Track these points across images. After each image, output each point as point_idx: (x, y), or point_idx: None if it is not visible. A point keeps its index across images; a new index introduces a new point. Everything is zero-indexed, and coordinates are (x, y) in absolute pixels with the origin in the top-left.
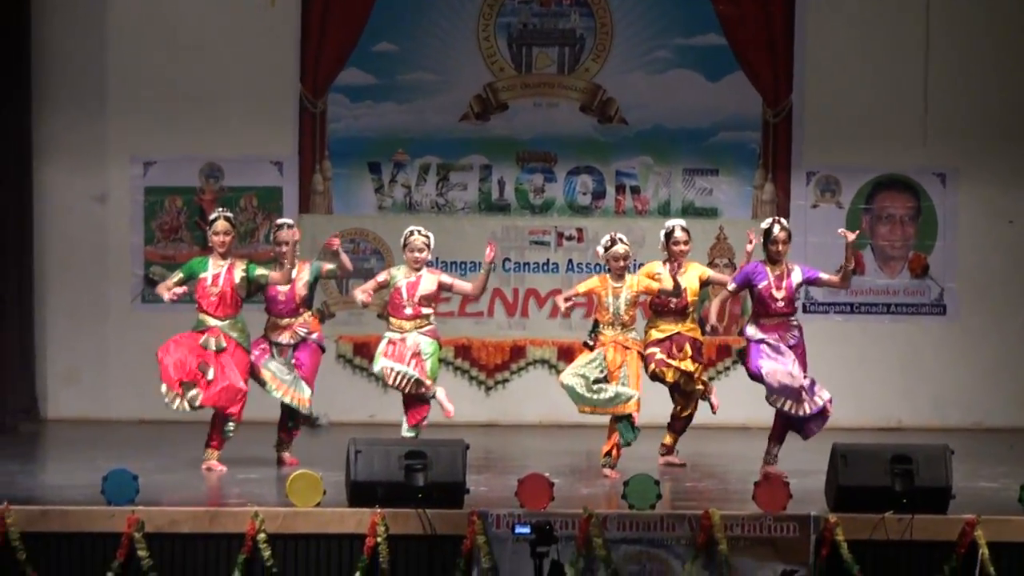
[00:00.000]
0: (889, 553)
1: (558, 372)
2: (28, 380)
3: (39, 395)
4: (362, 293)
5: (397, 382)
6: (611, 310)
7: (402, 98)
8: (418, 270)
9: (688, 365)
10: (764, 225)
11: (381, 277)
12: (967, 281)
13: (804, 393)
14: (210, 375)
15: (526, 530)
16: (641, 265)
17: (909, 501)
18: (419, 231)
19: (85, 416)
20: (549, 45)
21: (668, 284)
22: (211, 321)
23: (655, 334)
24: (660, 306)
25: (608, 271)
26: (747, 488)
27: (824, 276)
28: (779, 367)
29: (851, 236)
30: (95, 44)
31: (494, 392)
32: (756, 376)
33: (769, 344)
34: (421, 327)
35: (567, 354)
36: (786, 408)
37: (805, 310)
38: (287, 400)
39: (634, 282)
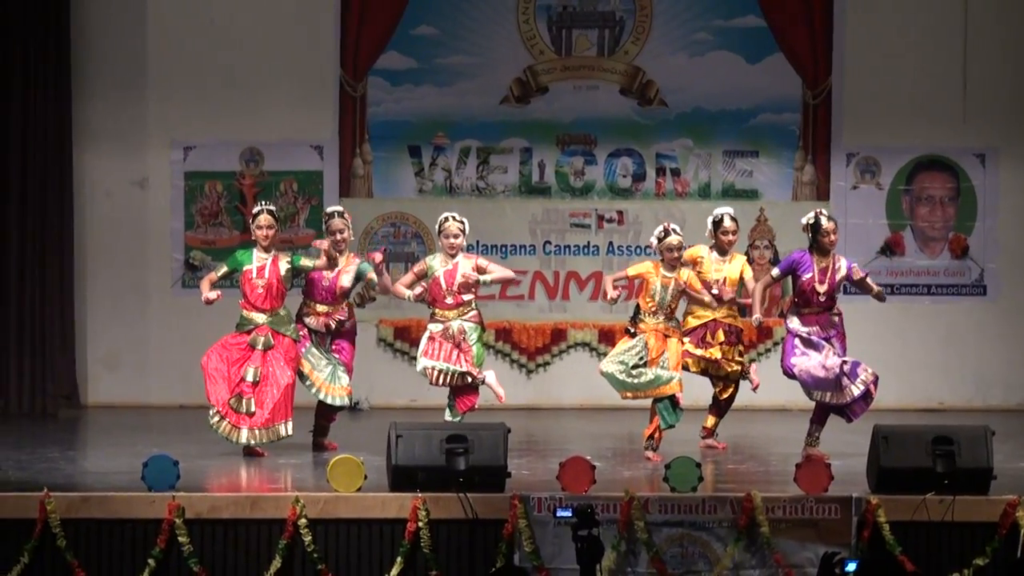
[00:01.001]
0: (931, 534)
1: (599, 355)
2: (68, 366)
3: (79, 380)
4: (409, 289)
5: (441, 380)
6: (657, 299)
7: (442, 81)
8: (454, 256)
9: (715, 352)
10: (809, 219)
11: (418, 268)
12: (1007, 261)
13: (845, 379)
14: (252, 376)
15: (568, 513)
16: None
17: (951, 482)
18: (453, 217)
19: (125, 402)
20: (589, 27)
21: (708, 299)
22: (258, 318)
23: (691, 321)
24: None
25: (661, 259)
26: (788, 470)
27: (869, 281)
28: (811, 363)
29: (858, 274)
30: (134, 29)
31: (535, 375)
32: (789, 375)
33: (802, 338)
34: (464, 314)
35: (608, 337)
36: (827, 400)
37: (845, 291)
38: (326, 398)
39: (685, 275)
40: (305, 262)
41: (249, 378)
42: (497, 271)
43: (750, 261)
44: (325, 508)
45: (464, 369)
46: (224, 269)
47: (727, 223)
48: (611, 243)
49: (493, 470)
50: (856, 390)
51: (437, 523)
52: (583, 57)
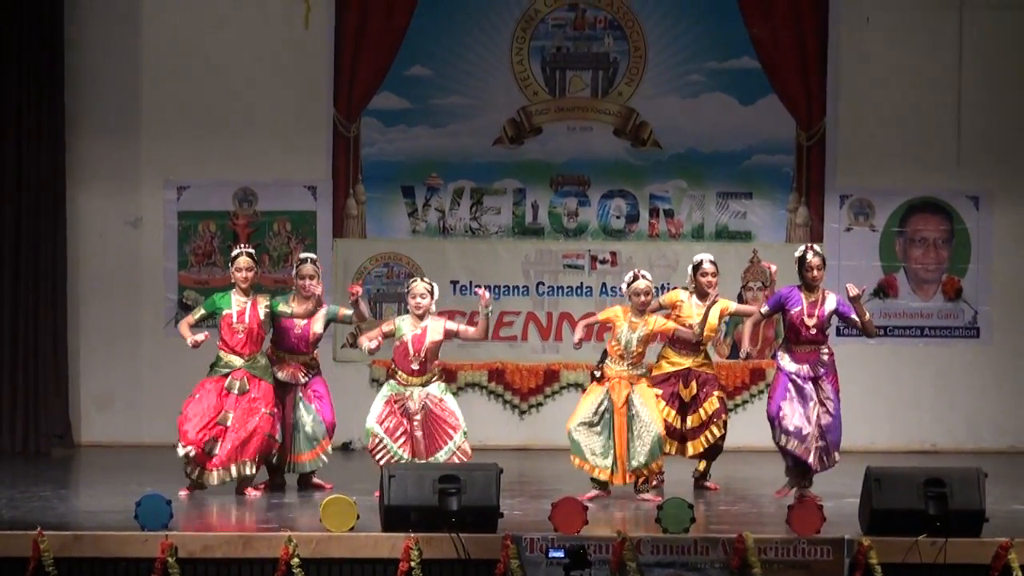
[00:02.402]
0: None
1: (593, 375)
2: (61, 405)
3: (72, 420)
4: (369, 341)
5: (381, 456)
6: (623, 343)
7: (436, 122)
8: (422, 319)
9: (670, 415)
10: (797, 253)
11: (387, 327)
12: (1001, 304)
13: (816, 446)
14: (228, 422)
15: (560, 554)
16: (670, 289)
17: (943, 524)
18: (422, 278)
19: (118, 441)
20: (583, 69)
21: (689, 335)
22: (236, 362)
23: (665, 366)
24: (675, 336)
25: (630, 304)
26: (781, 511)
27: (855, 316)
28: (797, 410)
29: (854, 290)
30: (128, 69)
31: (528, 416)
32: (773, 416)
33: (795, 383)
34: (427, 382)
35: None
36: (791, 448)
37: (839, 333)
38: (314, 464)
39: (652, 321)
40: (283, 308)
41: (225, 423)
42: (470, 331)
43: (742, 303)
44: (318, 548)
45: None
46: (201, 312)
47: (706, 266)
48: (604, 284)
49: (486, 510)
50: (820, 465)
51: (430, 563)
52: (577, 98)
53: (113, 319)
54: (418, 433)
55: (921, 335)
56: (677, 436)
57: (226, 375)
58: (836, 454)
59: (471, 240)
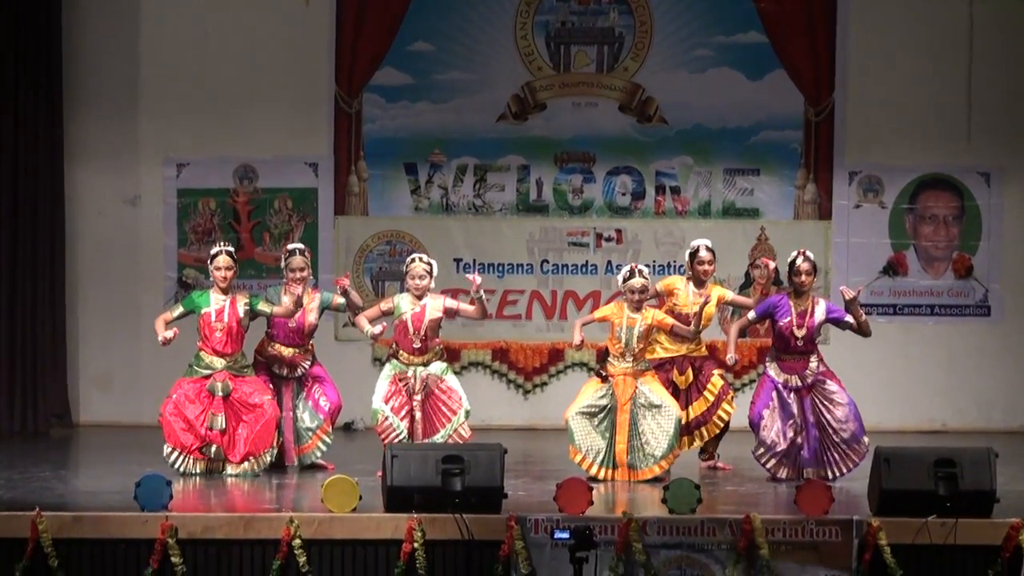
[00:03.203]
0: (933, 557)
1: (598, 374)
2: (60, 385)
3: (71, 399)
4: (372, 325)
5: (387, 436)
6: (623, 340)
7: (438, 98)
8: (420, 298)
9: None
10: (789, 258)
11: (385, 305)
12: (1012, 282)
13: (788, 456)
14: (219, 425)
15: (565, 535)
16: (671, 275)
17: (953, 505)
18: (420, 258)
19: (118, 421)
20: (588, 44)
21: (687, 332)
22: (216, 363)
23: (659, 351)
24: (675, 318)
25: (626, 300)
26: (789, 492)
27: (849, 319)
28: (776, 424)
29: (849, 293)
30: (127, 45)
31: (532, 395)
32: (754, 423)
33: (780, 395)
34: (429, 362)
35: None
36: (762, 461)
37: (846, 310)
38: (313, 454)
39: (650, 316)
40: (263, 307)
41: (217, 427)
42: (469, 309)
43: (749, 282)
44: (320, 529)
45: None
46: (180, 310)
47: (703, 254)
48: (609, 262)
49: (489, 491)
50: (843, 470)
51: (433, 544)
52: (582, 74)
53: (112, 298)
54: (417, 414)
55: (931, 314)
56: (683, 428)
57: (206, 376)
58: (864, 440)
59: (475, 217)
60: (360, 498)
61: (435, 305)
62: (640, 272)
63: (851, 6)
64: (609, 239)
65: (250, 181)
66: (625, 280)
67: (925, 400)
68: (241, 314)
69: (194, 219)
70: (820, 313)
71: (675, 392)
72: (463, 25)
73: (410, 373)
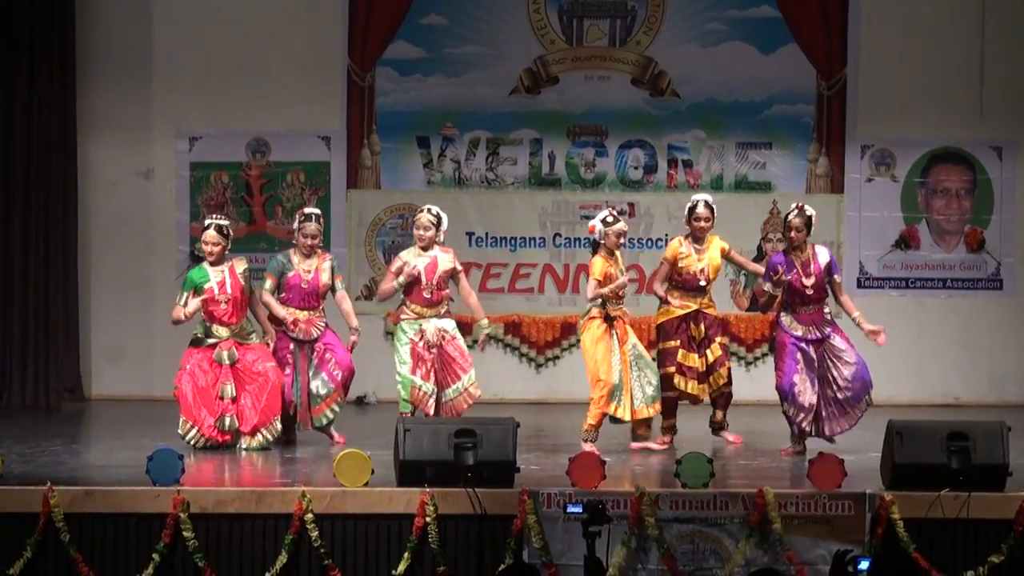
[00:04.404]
0: (946, 531)
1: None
2: (72, 358)
3: (83, 373)
4: (390, 283)
5: (425, 404)
6: (618, 283)
7: (451, 71)
8: (427, 249)
9: (694, 387)
10: (785, 214)
11: (395, 267)
12: None
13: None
14: (229, 393)
15: (578, 509)
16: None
17: (966, 478)
18: (428, 209)
19: (130, 395)
20: (600, 17)
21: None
22: (223, 332)
23: (674, 311)
24: (680, 279)
25: (604, 247)
26: (801, 466)
27: (837, 278)
28: (808, 386)
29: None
30: (140, 18)
31: (544, 369)
32: (786, 391)
33: (803, 351)
34: (441, 312)
35: None
36: (798, 420)
37: (859, 285)
38: (321, 419)
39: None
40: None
41: (227, 396)
42: (468, 293)
43: (762, 255)
44: (332, 503)
45: (447, 392)
46: (185, 295)
47: (700, 209)
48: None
49: (502, 465)
50: (849, 425)
51: (445, 518)
52: (594, 47)
53: (124, 271)
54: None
55: (943, 287)
56: (703, 379)
57: (213, 346)
58: (864, 403)
59: (487, 191)
60: (372, 472)
61: (445, 257)
62: (617, 217)
63: None
64: (622, 212)
65: (263, 154)
66: (608, 225)
67: (938, 374)
68: (243, 281)
69: (207, 192)
70: (823, 256)
71: (693, 344)
72: None
73: (425, 326)
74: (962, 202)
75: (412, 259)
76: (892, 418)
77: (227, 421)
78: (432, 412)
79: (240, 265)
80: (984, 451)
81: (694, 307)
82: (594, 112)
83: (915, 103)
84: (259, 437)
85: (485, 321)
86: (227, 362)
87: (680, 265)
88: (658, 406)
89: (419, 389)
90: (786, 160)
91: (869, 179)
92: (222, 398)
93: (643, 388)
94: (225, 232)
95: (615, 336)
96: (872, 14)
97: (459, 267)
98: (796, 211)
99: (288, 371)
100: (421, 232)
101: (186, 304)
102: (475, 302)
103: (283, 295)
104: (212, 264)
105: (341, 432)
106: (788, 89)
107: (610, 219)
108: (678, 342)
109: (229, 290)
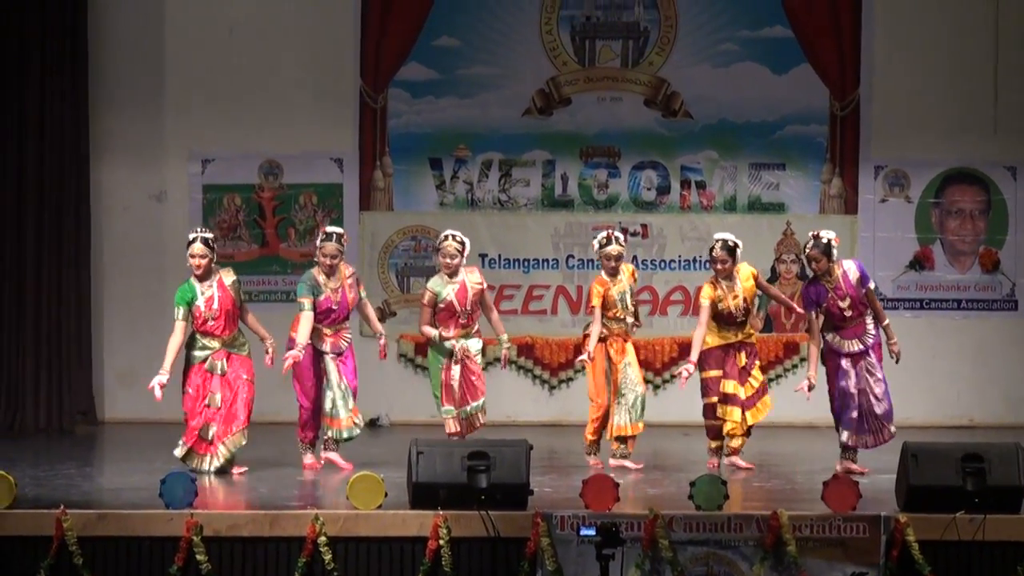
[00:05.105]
0: (961, 554)
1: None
2: (85, 381)
3: (96, 396)
4: (434, 329)
5: (463, 428)
6: (620, 304)
7: (464, 93)
8: (454, 275)
9: (736, 415)
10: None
11: (427, 299)
12: None
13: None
14: (216, 403)
15: (591, 532)
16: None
17: (981, 501)
18: (453, 236)
19: (142, 418)
20: (613, 38)
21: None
22: (214, 343)
23: (712, 340)
24: (721, 316)
25: (602, 270)
26: (815, 488)
27: (872, 285)
28: (851, 403)
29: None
30: (152, 41)
31: (558, 391)
32: (836, 414)
33: (848, 368)
34: (469, 334)
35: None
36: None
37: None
38: (350, 434)
39: (628, 271)
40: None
41: (214, 405)
42: (494, 316)
43: (776, 276)
44: (345, 526)
45: (463, 410)
46: (181, 312)
47: (715, 252)
48: (635, 257)
49: (515, 487)
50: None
51: (458, 541)
52: (607, 68)
53: (137, 294)
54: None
55: (958, 308)
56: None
57: (206, 358)
58: (891, 427)
59: (500, 213)
60: (386, 495)
61: (473, 279)
62: (617, 239)
63: (876, 0)
64: (635, 234)
65: (275, 177)
66: (602, 247)
67: (952, 395)
68: (233, 293)
69: (219, 215)
70: (852, 272)
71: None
72: (488, 20)
73: (450, 346)
74: (976, 222)
75: (441, 288)
76: (907, 440)
77: (211, 431)
78: (460, 430)
79: (228, 277)
80: (999, 473)
81: (734, 340)
82: (607, 133)
83: (929, 123)
84: (222, 449)
85: (505, 336)
86: (219, 372)
87: (719, 307)
88: (640, 426)
89: (456, 418)
90: (799, 181)
91: (883, 200)
92: (209, 406)
93: (624, 407)
94: (211, 245)
95: (609, 355)
96: (885, 34)
97: (484, 284)
98: (812, 242)
99: (321, 383)
100: (448, 260)
101: (184, 318)
102: (496, 318)
103: (315, 315)
104: (200, 279)
105: (353, 456)
106: (801, 110)
107: (604, 241)
108: (720, 372)
109: (217, 305)
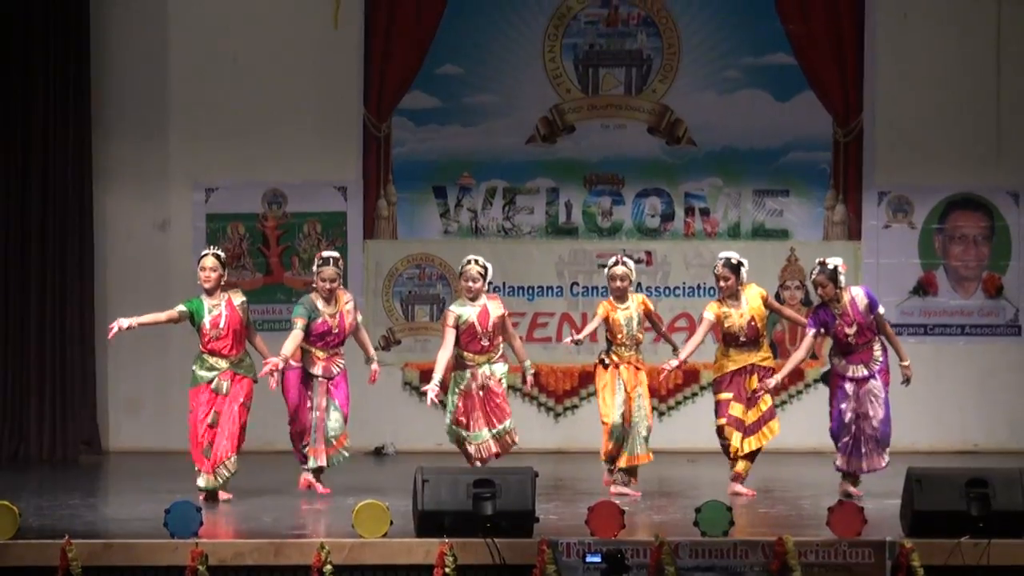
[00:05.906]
0: None
1: (602, 363)
2: (89, 411)
3: (100, 426)
4: (442, 371)
5: (484, 453)
6: (625, 330)
7: (467, 121)
8: (475, 299)
9: (738, 439)
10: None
11: (451, 320)
12: None
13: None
14: (213, 420)
15: (597, 559)
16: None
17: (986, 525)
18: (476, 260)
19: (147, 447)
20: (616, 66)
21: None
22: (222, 364)
23: (727, 364)
24: (730, 336)
25: (610, 293)
26: (821, 514)
27: (881, 310)
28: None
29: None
30: (156, 69)
31: (563, 418)
32: (833, 434)
33: (851, 391)
34: (493, 359)
35: None
36: (843, 464)
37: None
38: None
39: (638, 300)
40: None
41: (212, 422)
42: (516, 343)
43: (780, 303)
44: (351, 554)
45: (495, 431)
46: (182, 308)
47: (717, 270)
48: (639, 284)
49: (521, 515)
50: (866, 467)
51: (464, 569)
52: (610, 96)
53: None
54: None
55: (962, 333)
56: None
57: (213, 379)
58: (885, 455)
59: (504, 240)
60: (391, 523)
61: (494, 305)
62: (624, 263)
63: (879, 27)
64: (639, 261)
65: (279, 205)
66: (609, 268)
67: (957, 420)
68: (241, 313)
69: (223, 244)
70: (861, 298)
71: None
72: (491, 48)
73: (470, 374)
74: (980, 248)
75: (463, 311)
76: (911, 465)
77: (209, 448)
78: (483, 454)
79: (237, 297)
80: (1004, 498)
81: (748, 360)
82: (610, 160)
83: (932, 149)
84: (216, 479)
85: (528, 363)
86: (224, 392)
87: (726, 325)
88: (650, 456)
89: (473, 443)
90: (803, 207)
91: (886, 226)
92: (211, 426)
93: (636, 437)
94: (223, 261)
95: (620, 378)
96: (888, 61)
97: (506, 311)
98: (818, 268)
99: (307, 403)
100: (470, 284)
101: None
102: (519, 344)
103: (309, 336)
104: (208, 293)
105: (358, 483)
106: (805, 136)
107: (611, 262)
108: (731, 395)
109: (224, 324)
